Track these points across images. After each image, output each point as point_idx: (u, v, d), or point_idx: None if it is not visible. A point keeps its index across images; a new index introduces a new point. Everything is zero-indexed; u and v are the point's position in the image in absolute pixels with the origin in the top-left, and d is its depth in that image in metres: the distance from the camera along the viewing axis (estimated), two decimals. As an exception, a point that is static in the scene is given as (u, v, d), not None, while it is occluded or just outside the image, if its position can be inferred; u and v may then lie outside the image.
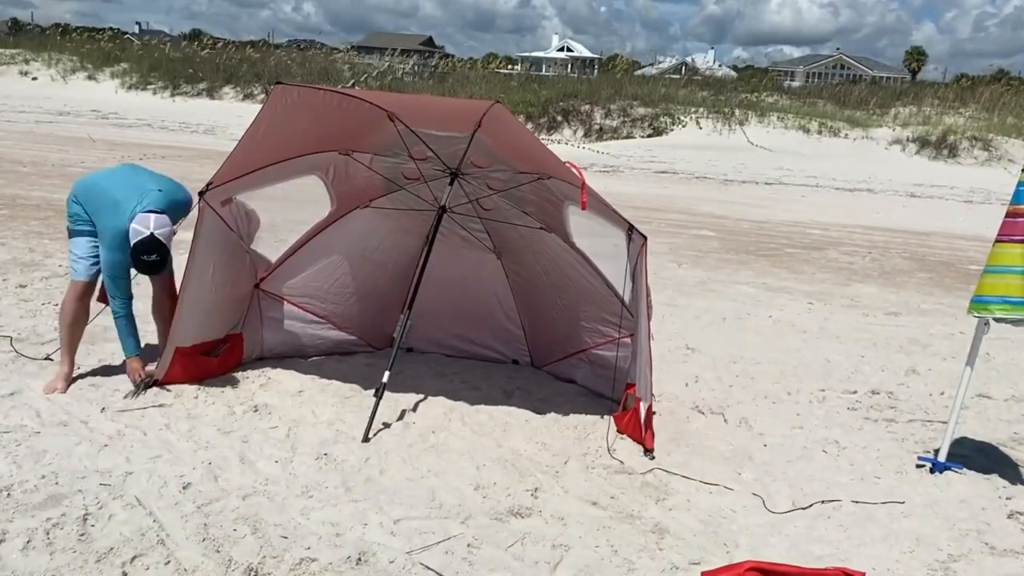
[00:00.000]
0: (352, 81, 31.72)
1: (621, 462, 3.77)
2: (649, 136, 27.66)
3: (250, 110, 28.95)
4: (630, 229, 3.76)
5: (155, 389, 4.17)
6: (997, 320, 3.74)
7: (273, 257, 4.59)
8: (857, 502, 3.54)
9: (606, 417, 4.24)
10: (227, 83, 32.70)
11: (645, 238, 3.74)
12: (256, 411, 4.03)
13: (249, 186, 4.15)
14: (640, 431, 3.90)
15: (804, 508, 3.47)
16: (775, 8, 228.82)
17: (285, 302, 4.67)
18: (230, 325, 4.44)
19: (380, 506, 3.19)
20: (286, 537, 2.91)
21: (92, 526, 2.88)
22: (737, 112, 29.08)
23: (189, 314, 4.12)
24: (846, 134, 27.82)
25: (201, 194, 3.92)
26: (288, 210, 4.62)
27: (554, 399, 4.53)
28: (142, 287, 4.25)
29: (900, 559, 3.10)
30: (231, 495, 3.17)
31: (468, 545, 2.96)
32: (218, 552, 2.79)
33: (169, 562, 2.72)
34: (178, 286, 4.19)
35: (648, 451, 3.85)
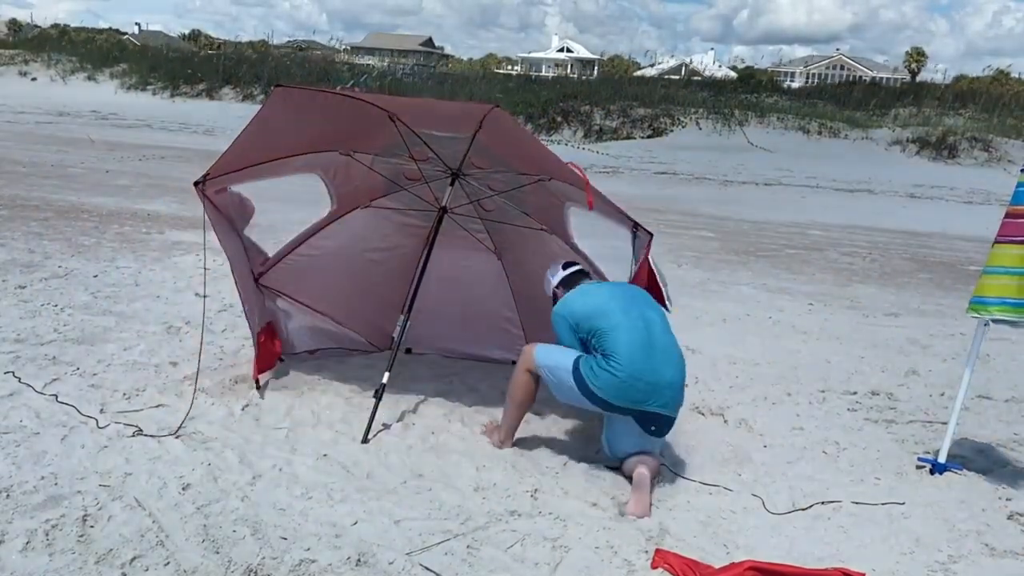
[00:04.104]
0: (351, 82, 31.74)
1: (623, 463, 3.76)
2: (649, 137, 27.69)
3: (250, 111, 28.90)
4: (635, 226, 3.77)
5: (156, 389, 4.18)
6: (995, 321, 3.74)
7: (269, 248, 4.59)
8: (857, 503, 3.54)
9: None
10: (226, 84, 32.72)
11: (651, 235, 3.75)
12: (256, 412, 4.03)
13: (246, 179, 4.14)
14: None
15: (804, 509, 3.46)
16: (785, 5, 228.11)
17: (287, 298, 4.67)
18: (268, 312, 4.53)
19: (380, 507, 3.19)
20: (286, 538, 2.91)
21: (91, 527, 2.88)
22: (737, 113, 29.10)
23: (249, 300, 4.24)
24: (846, 135, 27.84)
25: (197, 184, 3.90)
26: (288, 210, 4.62)
27: (554, 399, 4.51)
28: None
29: (900, 560, 3.10)
30: (231, 496, 3.17)
31: (468, 546, 2.96)
32: (217, 553, 2.79)
33: (169, 563, 2.72)
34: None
35: None
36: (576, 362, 3.54)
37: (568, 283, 3.88)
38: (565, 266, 3.97)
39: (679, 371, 3.58)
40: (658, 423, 3.55)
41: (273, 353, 4.55)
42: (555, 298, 3.90)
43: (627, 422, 3.56)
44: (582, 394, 3.52)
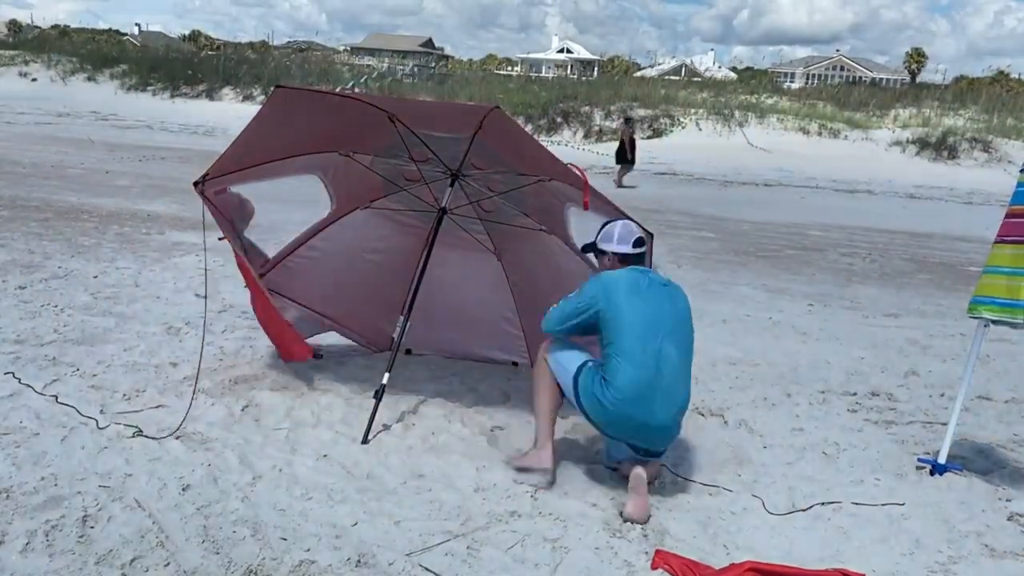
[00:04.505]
0: (352, 83, 31.75)
1: (621, 463, 3.77)
2: (649, 138, 27.68)
3: (250, 111, 28.82)
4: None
5: (156, 390, 4.18)
6: (995, 322, 3.74)
7: (269, 250, 4.59)
8: (857, 504, 3.54)
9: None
10: (226, 84, 32.73)
11: (651, 235, 3.75)
12: (256, 412, 4.03)
13: (246, 180, 4.15)
14: None
15: (804, 510, 3.46)
16: (786, 6, 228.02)
17: (286, 300, 4.67)
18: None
19: (380, 508, 3.19)
20: (286, 539, 2.91)
21: (92, 528, 2.88)
22: (737, 113, 29.12)
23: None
24: (846, 135, 27.85)
25: (196, 184, 3.90)
26: (288, 210, 4.62)
27: (554, 401, 4.52)
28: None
29: (900, 561, 3.10)
30: (231, 497, 3.18)
31: (468, 547, 2.96)
32: (217, 554, 2.79)
33: (169, 564, 2.72)
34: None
35: None
36: (579, 371, 3.44)
37: (625, 260, 3.62)
38: (636, 243, 3.64)
39: (677, 414, 3.45)
40: (647, 451, 3.48)
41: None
42: (595, 252, 3.73)
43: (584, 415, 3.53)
44: (575, 401, 3.49)
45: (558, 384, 3.55)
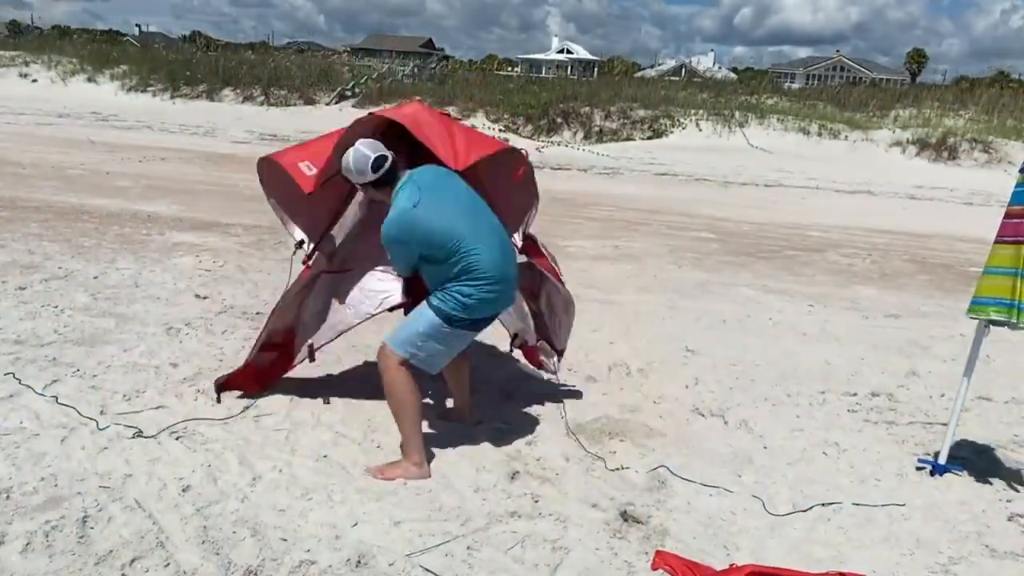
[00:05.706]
0: (352, 83, 31.75)
1: (621, 464, 3.77)
2: (649, 138, 27.66)
3: (249, 112, 29.00)
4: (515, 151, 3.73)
5: (155, 391, 4.18)
6: (992, 323, 3.73)
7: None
8: (857, 504, 3.54)
9: (606, 419, 4.24)
10: (226, 85, 32.70)
11: (525, 152, 3.72)
12: (256, 412, 4.03)
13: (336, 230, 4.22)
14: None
15: (804, 510, 3.46)
16: (789, 6, 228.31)
17: (324, 275, 4.51)
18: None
19: (380, 508, 3.19)
20: (285, 539, 2.91)
21: (91, 528, 2.88)
22: (737, 114, 29.09)
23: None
24: (846, 136, 27.82)
25: (305, 263, 4.01)
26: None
27: (554, 401, 4.53)
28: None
29: (900, 561, 3.10)
30: (230, 497, 3.18)
31: (468, 548, 2.96)
32: (217, 555, 2.79)
33: (168, 564, 2.72)
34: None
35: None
36: (434, 313, 3.36)
37: (379, 184, 3.41)
38: (376, 164, 3.36)
39: (516, 265, 3.60)
40: (493, 317, 3.58)
41: (261, 376, 4.31)
42: (370, 185, 3.43)
43: (465, 337, 3.51)
44: (463, 331, 3.42)
45: (415, 386, 3.50)
